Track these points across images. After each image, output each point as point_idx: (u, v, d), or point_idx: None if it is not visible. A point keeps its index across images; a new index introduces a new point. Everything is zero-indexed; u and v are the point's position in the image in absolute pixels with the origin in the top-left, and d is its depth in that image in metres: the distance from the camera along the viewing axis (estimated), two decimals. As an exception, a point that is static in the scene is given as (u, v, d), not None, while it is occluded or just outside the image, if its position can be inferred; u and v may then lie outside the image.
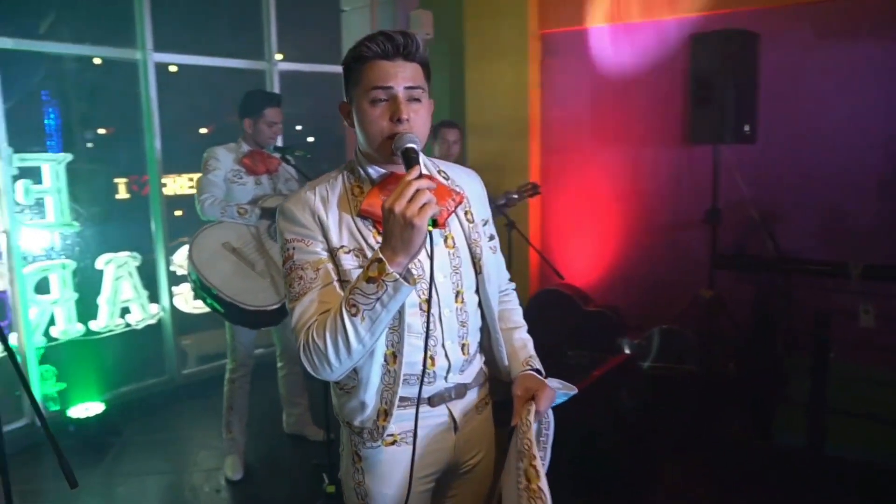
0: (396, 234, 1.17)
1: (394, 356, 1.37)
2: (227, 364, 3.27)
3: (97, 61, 4.23)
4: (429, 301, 1.31)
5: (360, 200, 1.37)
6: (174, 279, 4.25)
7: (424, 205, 1.16)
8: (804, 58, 3.94)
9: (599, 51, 4.95)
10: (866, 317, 3.46)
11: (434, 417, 1.48)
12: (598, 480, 2.89)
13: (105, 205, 4.65)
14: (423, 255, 1.28)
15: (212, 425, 3.66)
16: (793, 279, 3.66)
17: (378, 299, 1.20)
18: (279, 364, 3.57)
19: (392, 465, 1.45)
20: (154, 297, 4.19)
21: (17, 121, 4.12)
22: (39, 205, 3.68)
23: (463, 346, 1.48)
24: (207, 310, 3.17)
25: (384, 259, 1.18)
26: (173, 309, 4.23)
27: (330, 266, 1.34)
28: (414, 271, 1.36)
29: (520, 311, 1.70)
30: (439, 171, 1.51)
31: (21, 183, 3.57)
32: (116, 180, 4.85)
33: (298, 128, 6.20)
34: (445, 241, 1.45)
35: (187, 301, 4.24)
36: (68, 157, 3.75)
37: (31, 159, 3.62)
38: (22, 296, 3.56)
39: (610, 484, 2.97)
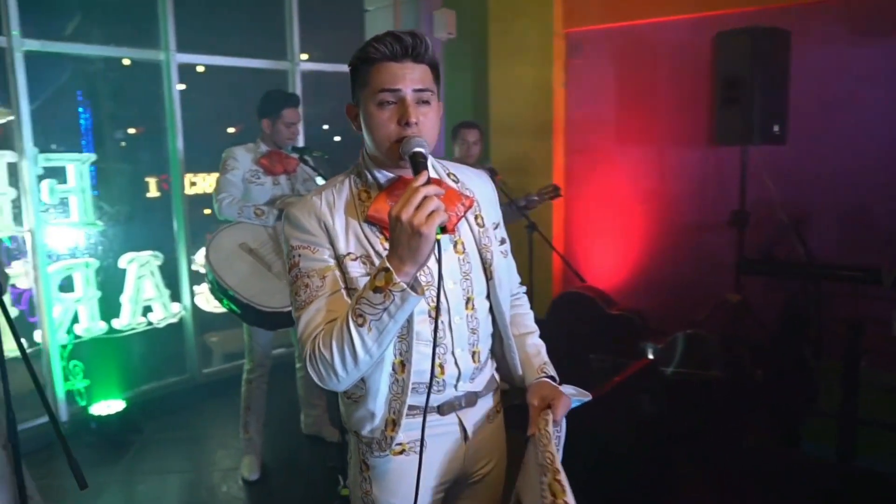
0: (403, 242, 1.14)
1: (402, 365, 1.34)
2: (245, 364, 3.27)
3: (126, 62, 4.28)
4: (437, 310, 1.27)
5: (368, 206, 1.33)
6: (196, 278, 4.28)
7: (432, 212, 1.12)
8: (837, 56, 3.83)
9: (624, 50, 4.87)
10: (900, 324, 3.34)
11: (444, 426, 1.44)
12: (616, 489, 2.82)
13: (136, 203, 4.69)
14: (432, 261, 1.25)
15: (231, 424, 3.66)
16: (823, 285, 3.55)
17: (385, 310, 1.17)
18: (297, 365, 3.57)
19: (400, 475, 1.42)
20: (176, 296, 4.22)
21: (44, 121, 4.19)
22: (64, 204, 3.72)
23: (473, 353, 1.44)
24: (228, 309, 3.18)
25: (391, 268, 1.15)
26: (195, 308, 4.25)
27: (337, 273, 1.31)
28: (423, 278, 1.32)
29: (531, 315, 1.65)
30: (449, 174, 1.47)
31: (46, 182, 3.61)
32: (147, 179, 4.90)
33: (326, 127, 6.21)
34: (455, 246, 1.41)
35: (208, 300, 4.26)
36: (92, 156, 3.79)
37: (56, 159, 3.66)
38: (46, 294, 3.60)
39: (628, 493, 2.90)
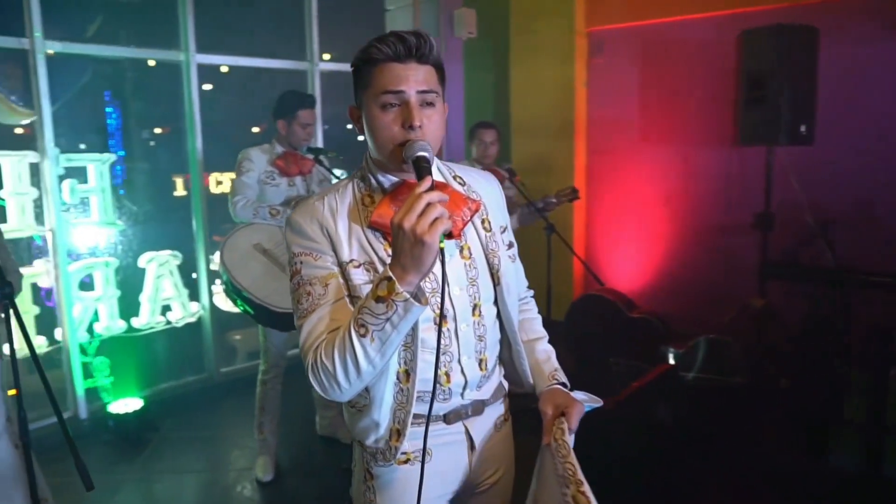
0: (406, 251, 1.11)
1: (407, 374, 1.31)
2: (260, 365, 3.27)
3: (151, 63, 4.31)
4: (440, 319, 1.22)
5: (371, 211, 1.30)
6: (214, 277, 4.30)
7: (436, 220, 1.09)
8: (867, 53, 3.72)
9: (647, 48, 4.80)
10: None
11: (450, 435, 1.41)
12: (633, 496, 2.76)
13: (163, 201, 4.72)
14: (437, 266, 1.22)
15: (247, 424, 3.66)
16: (850, 290, 3.45)
17: (388, 320, 1.14)
18: (312, 366, 3.55)
19: (405, 485, 1.39)
20: (194, 296, 4.25)
21: (72, 121, 4.24)
22: (85, 204, 3.76)
23: (480, 361, 1.41)
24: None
25: (394, 277, 1.12)
26: (213, 307, 4.27)
27: (340, 281, 1.27)
28: (428, 284, 1.29)
29: (539, 319, 1.62)
30: (455, 177, 1.43)
31: (67, 182, 3.65)
32: (174, 177, 4.95)
33: (349, 127, 6.22)
34: (461, 251, 1.38)
35: (226, 300, 4.28)
36: (112, 157, 3.82)
37: (77, 159, 3.70)
38: (66, 292, 3.64)
39: (645, 501, 2.84)
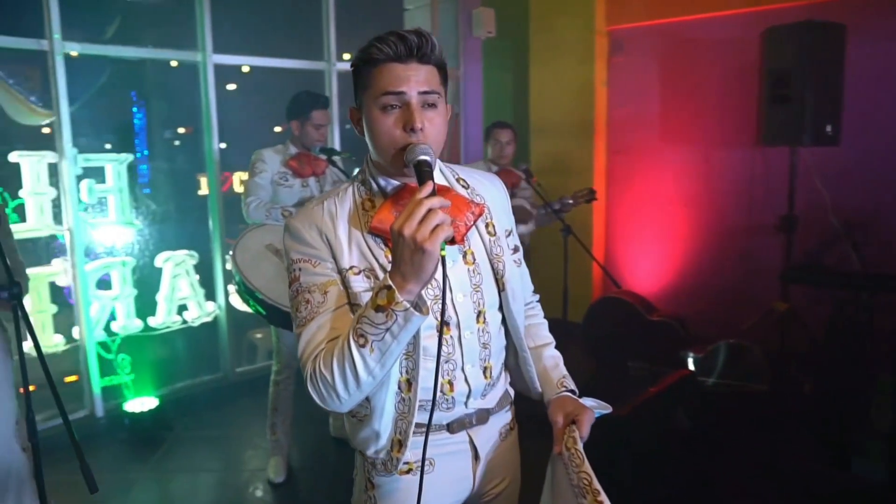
0: (406, 258, 1.07)
1: (409, 383, 1.28)
2: (273, 366, 3.26)
3: (174, 63, 4.33)
4: (441, 328, 1.17)
5: (372, 216, 1.26)
6: (230, 277, 4.31)
7: (437, 227, 1.05)
8: (896, 51, 3.61)
9: (668, 47, 4.72)
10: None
11: (453, 445, 1.38)
12: (649, 507, 2.70)
13: (187, 200, 4.75)
14: (440, 272, 1.18)
15: (262, 424, 3.66)
16: (877, 295, 3.34)
17: (387, 330, 1.10)
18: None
19: (407, 495, 1.35)
20: (210, 295, 4.26)
21: (97, 122, 4.28)
22: (102, 203, 3.78)
23: (485, 369, 1.37)
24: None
25: (393, 286, 1.08)
26: (229, 307, 4.28)
27: (339, 288, 1.24)
28: (431, 291, 1.26)
29: (546, 324, 1.58)
30: (458, 180, 1.39)
31: (85, 182, 3.68)
32: (199, 176, 4.99)
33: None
34: (465, 257, 1.34)
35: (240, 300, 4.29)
36: (129, 157, 3.84)
37: (95, 159, 3.72)
38: (84, 291, 3.67)
39: (662, 511, 2.78)
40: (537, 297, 1.60)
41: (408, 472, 1.35)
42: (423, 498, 1.25)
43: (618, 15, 5.00)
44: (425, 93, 1.21)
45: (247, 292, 2.87)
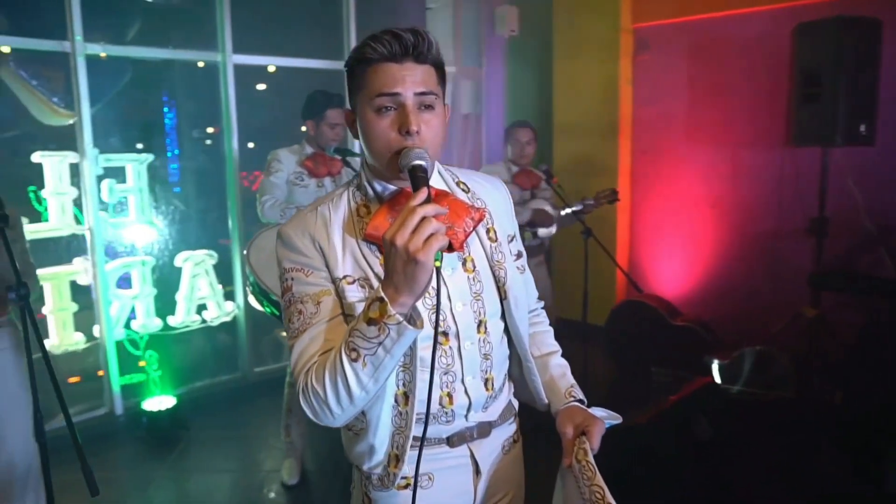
0: (399, 270, 1.02)
1: (405, 396, 1.23)
2: (288, 367, 3.25)
3: (200, 64, 4.35)
4: (435, 342, 1.12)
5: (367, 222, 1.22)
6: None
7: (431, 236, 1.00)
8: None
9: (695, 45, 4.60)
10: None
11: (453, 459, 1.33)
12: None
13: (215, 198, 4.75)
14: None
15: (278, 425, 3.65)
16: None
17: (380, 344, 1.06)
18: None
19: (405, 511, 1.31)
20: (230, 295, 4.27)
21: (117, 121, 4.32)
22: (122, 203, 3.81)
23: (486, 381, 1.32)
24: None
25: (386, 299, 1.04)
26: (248, 306, 4.29)
27: (333, 298, 1.20)
28: (428, 300, 1.21)
29: (551, 332, 1.52)
30: (458, 183, 1.34)
31: (106, 182, 3.71)
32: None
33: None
34: (464, 264, 1.28)
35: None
36: (150, 157, 3.87)
37: (116, 159, 3.76)
38: (104, 290, 3.70)
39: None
40: (542, 303, 1.54)
41: (406, 487, 1.30)
42: None
43: (644, 12, 4.90)
44: (422, 94, 1.16)
45: (261, 293, 2.85)
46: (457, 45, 5.39)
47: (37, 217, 3.54)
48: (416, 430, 1.24)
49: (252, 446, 3.70)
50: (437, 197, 1.22)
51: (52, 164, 3.52)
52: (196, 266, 4.06)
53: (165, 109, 5.87)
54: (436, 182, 1.29)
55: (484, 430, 1.34)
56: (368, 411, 1.22)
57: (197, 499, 3.22)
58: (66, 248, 3.74)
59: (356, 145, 4.66)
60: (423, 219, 1.01)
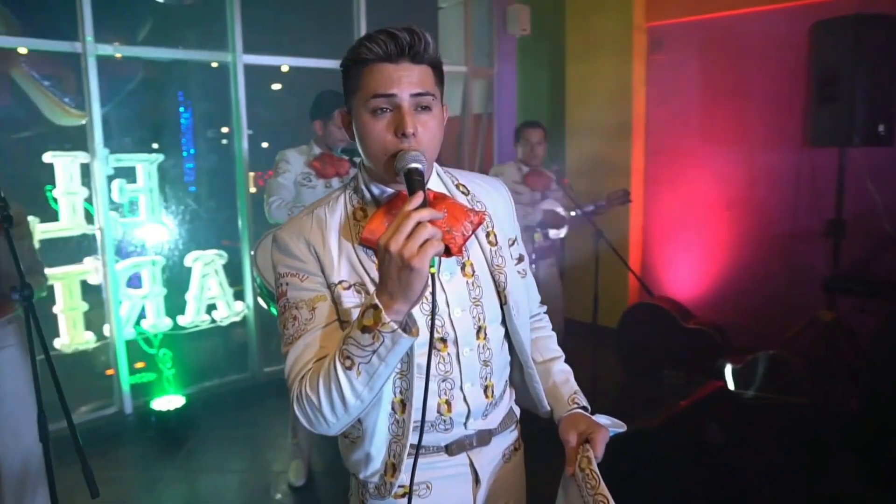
0: (393, 276, 1.00)
1: (402, 404, 1.20)
2: (295, 368, 3.24)
3: (214, 65, 4.36)
4: (430, 351, 1.09)
5: (363, 226, 1.19)
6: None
7: (426, 242, 0.97)
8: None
9: (710, 44, 4.54)
10: None
11: (452, 468, 1.30)
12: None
13: (229, 197, 4.78)
14: (437, 285, 1.10)
15: (286, 426, 3.66)
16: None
17: (374, 352, 1.03)
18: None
19: (402, 520, 1.28)
20: (240, 295, 4.28)
21: (131, 122, 4.35)
22: (133, 203, 3.83)
23: (486, 388, 1.29)
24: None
25: (380, 306, 1.01)
26: (257, 307, 4.29)
27: (328, 304, 1.17)
28: (425, 306, 1.17)
29: (554, 337, 1.48)
30: (457, 186, 1.31)
31: (116, 182, 3.73)
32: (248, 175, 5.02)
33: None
34: (463, 269, 1.25)
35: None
36: (160, 157, 3.88)
37: (126, 159, 3.77)
38: (114, 290, 3.72)
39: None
40: (544, 308, 1.51)
41: (403, 496, 1.27)
42: None
43: (657, 11, 4.83)
44: (418, 95, 1.13)
45: (268, 295, 2.84)
46: (468, 44, 5.36)
47: (53, 217, 3.56)
48: (414, 439, 1.21)
49: (260, 447, 3.70)
50: (435, 200, 1.19)
51: (64, 164, 3.54)
52: (206, 266, 4.06)
53: (181, 109, 5.91)
54: (435, 184, 1.26)
55: (483, 438, 1.31)
56: (365, 419, 1.20)
57: (204, 499, 3.22)
58: (76, 248, 3.75)
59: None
60: (419, 224, 0.98)
